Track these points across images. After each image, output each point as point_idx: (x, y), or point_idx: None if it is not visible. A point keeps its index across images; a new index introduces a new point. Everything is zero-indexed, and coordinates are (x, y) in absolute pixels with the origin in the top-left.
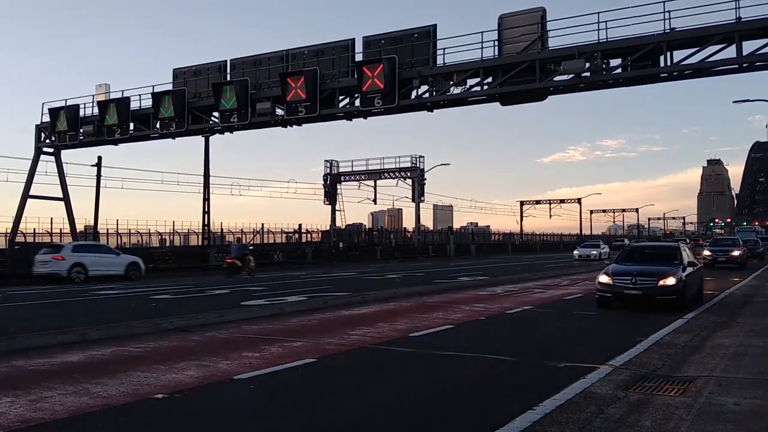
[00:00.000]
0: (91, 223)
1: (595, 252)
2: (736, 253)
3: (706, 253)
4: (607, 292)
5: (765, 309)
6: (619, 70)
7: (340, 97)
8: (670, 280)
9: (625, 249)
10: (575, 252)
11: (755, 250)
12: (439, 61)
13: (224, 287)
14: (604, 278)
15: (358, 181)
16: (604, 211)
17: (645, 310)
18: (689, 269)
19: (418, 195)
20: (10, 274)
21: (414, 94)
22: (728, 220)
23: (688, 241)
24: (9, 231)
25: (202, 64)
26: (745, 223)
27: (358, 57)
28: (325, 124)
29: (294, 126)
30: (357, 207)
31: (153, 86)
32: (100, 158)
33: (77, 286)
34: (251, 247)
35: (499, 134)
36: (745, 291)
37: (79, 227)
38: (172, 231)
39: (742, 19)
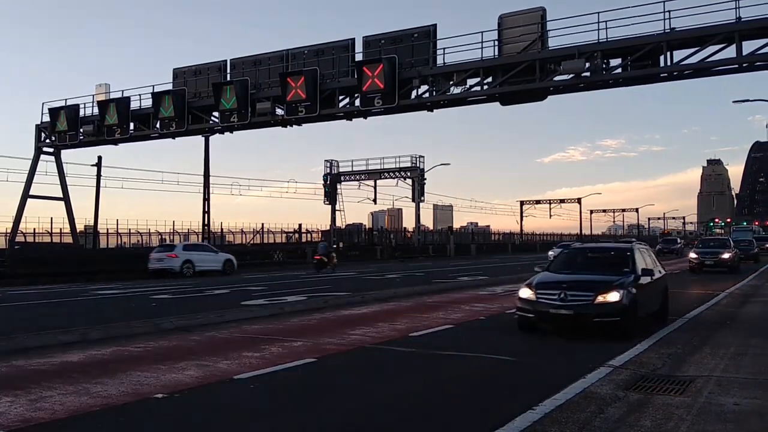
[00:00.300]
0: (91, 222)
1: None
2: (725, 255)
3: (692, 255)
4: (528, 311)
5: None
6: (619, 70)
7: (340, 97)
8: (612, 296)
9: (563, 252)
10: (550, 253)
11: (749, 251)
12: (439, 61)
13: (224, 287)
14: (525, 292)
15: (358, 181)
16: (604, 211)
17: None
18: (644, 280)
19: (418, 195)
20: (11, 274)
21: (414, 94)
22: (728, 219)
23: (679, 241)
24: (9, 231)
25: (202, 64)
26: (745, 223)
27: (358, 57)
28: (325, 124)
29: (294, 126)
30: (357, 207)
31: (153, 86)
32: (100, 158)
33: (78, 285)
34: (335, 246)
35: (499, 134)
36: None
37: (79, 227)
38: (172, 231)
39: (742, 19)
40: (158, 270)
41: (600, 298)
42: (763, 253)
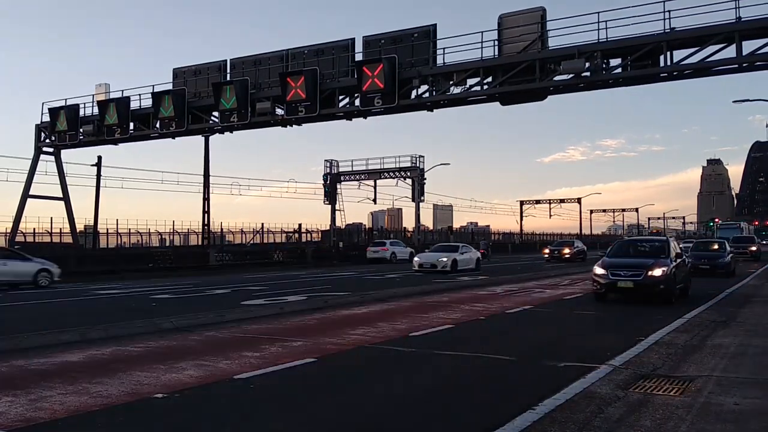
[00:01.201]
0: (91, 222)
1: (445, 259)
2: (656, 272)
3: (598, 271)
4: None
5: None
6: (619, 70)
7: (340, 97)
8: None
9: None
10: (415, 259)
11: (717, 261)
12: (439, 60)
13: (224, 287)
14: None
15: (358, 180)
16: (604, 210)
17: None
18: None
19: (418, 195)
20: None
21: (414, 93)
22: (728, 219)
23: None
24: (9, 231)
25: (202, 63)
26: (744, 223)
27: (358, 57)
28: (325, 124)
29: (294, 126)
30: (357, 207)
31: (153, 86)
32: (100, 158)
33: (78, 285)
34: (488, 244)
35: (499, 134)
36: None
37: (79, 227)
38: (172, 231)
39: (742, 19)
40: (375, 258)
41: None
42: (748, 258)
